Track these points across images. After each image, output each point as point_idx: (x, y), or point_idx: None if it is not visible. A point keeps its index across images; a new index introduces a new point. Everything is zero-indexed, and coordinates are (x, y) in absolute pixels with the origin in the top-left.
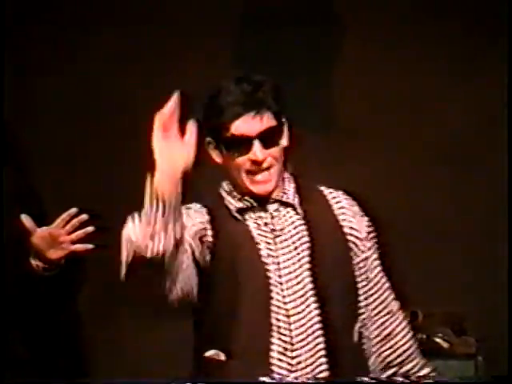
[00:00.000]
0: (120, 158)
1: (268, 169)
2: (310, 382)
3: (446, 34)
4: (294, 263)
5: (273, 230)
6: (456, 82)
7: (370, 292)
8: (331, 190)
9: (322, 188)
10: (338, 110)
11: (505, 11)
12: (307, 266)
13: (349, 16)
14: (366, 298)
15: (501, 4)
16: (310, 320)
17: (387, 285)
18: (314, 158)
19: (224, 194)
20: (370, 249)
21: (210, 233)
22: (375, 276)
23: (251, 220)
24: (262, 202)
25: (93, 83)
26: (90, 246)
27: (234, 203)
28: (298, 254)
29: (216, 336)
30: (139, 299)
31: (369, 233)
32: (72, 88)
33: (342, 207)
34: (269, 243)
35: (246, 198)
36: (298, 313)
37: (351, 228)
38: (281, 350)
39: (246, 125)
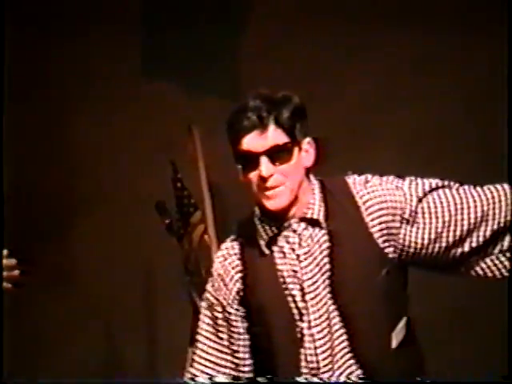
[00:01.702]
0: None
1: (277, 186)
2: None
3: None
4: (317, 287)
5: (298, 256)
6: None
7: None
8: (357, 180)
9: (350, 180)
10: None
11: None
12: (328, 288)
13: None
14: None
15: None
16: (335, 341)
17: None
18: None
19: (257, 223)
20: (420, 215)
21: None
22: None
23: (278, 250)
24: (288, 222)
25: None
26: (9, 286)
27: (263, 235)
28: (322, 275)
29: (256, 363)
30: None
31: (411, 201)
32: None
33: (369, 206)
34: (294, 271)
35: (272, 224)
36: (324, 336)
37: (380, 223)
38: (309, 377)
39: (254, 141)
